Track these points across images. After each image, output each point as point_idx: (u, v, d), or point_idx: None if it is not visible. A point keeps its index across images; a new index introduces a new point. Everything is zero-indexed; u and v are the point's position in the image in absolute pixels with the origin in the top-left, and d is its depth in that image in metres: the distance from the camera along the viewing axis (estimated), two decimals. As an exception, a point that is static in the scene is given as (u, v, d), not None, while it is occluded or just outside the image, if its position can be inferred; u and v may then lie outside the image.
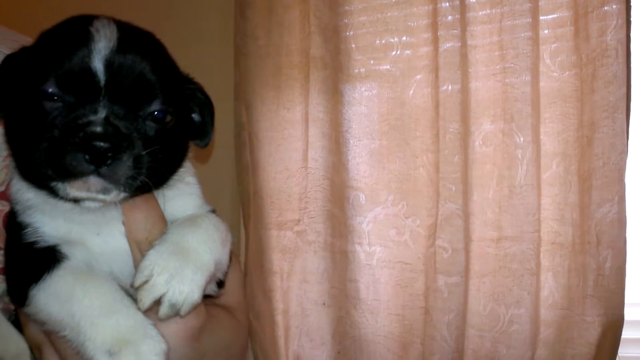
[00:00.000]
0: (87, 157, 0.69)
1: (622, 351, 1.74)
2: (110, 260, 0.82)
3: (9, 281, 0.84)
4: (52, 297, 0.75)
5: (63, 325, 0.74)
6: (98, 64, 0.72)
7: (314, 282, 1.95)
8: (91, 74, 0.72)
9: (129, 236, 0.82)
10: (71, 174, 0.70)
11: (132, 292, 0.79)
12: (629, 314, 1.70)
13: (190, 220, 0.84)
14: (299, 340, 1.97)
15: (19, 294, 0.78)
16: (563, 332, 1.72)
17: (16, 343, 0.89)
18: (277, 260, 1.97)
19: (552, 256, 1.73)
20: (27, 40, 0.94)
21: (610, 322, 1.67)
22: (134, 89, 0.75)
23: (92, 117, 0.71)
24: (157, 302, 0.75)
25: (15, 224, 0.82)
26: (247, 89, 1.99)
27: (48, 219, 0.80)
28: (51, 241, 0.79)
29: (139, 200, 0.81)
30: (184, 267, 0.76)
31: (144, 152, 0.74)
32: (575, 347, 1.70)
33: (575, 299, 1.70)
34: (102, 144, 0.69)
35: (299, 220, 1.96)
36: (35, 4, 2.26)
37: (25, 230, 0.80)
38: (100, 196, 0.74)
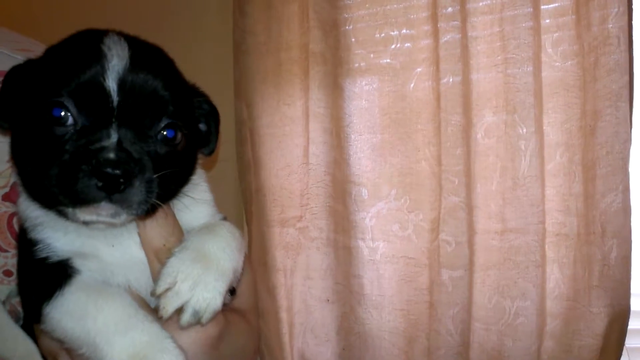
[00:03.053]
0: (99, 184, 0.68)
1: (629, 342, 1.73)
2: (126, 271, 0.82)
3: (24, 299, 0.85)
4: (66, 315, 0.75)
5: (79, 343, 0.74)
6: (112, 84, 0.71)
7: (317, 279, 1.95)
8: (105, 94, 0.71)
9: (146, 245, 0.81)
10: (83, 201, 0.69)
11: (149, 301, 0.79)
12: (635, 304, 1.69)
13: (208, 228, 0.84)
14: (303, 337, 1.96)
15: (34, 312, 0.78)
16: (569, 324, 1.71)
17: (24, 345, 0.89)
18: (280, 257, 1.97)
19: (557, 247, 1.72)
20: (29, 42, 0.93)
21: (617, 313, 1.66)
22: (146, 110, 0.74)
23: (105, 143, 0.70)
24: (178, 311, 0.75)
25: (26, 241, 0.81)
26: (247, 85, 1.97)
27: (60, 234, 0.80)
28: (63, 255, 0.79)
29: None
30: (207, 274, 0.76)
31: (154, 177, 0.73)
32: (582, 338, 1.69)
33: (581, 290, 1.69)
34: (115, 171, 0.68)
35: (301, 217, 1.95)
36: (36, 5, 2.25)
37: (37, 247, 0.79)
38: (110, 220, 0.73)
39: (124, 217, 0.73)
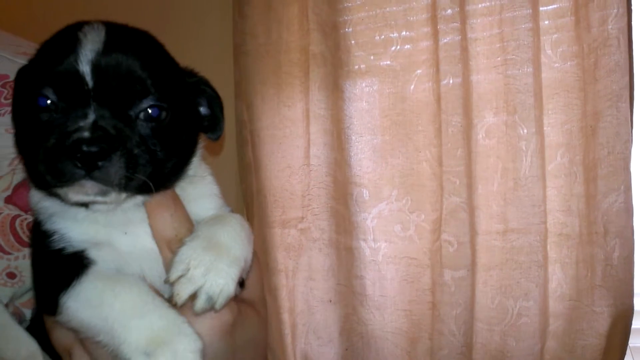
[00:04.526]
0: (77, 162, 0.70)
1: (633, 341, 1.73)
2: (140, 261, 0.82)
3: (38, 292, 0.84)
4: (83, 303, 0.75)
5: (97, 331, 0.74)
6: (85, 67, 0.73)
7: (319, 280, 1.94)
8: (79, 78, 0.73)
9: (156, 235, 0.82)
10: (66, 180, 0.71)
11: (163, 291, 0.79)
12: (638, 303, 1.70)
13: (218, 219, 0.85)
14: (306, 338, 1.96)
15: (50, 303, 0.78)
16: (572, 324, 1.71)
17: (26, 345, 0.89)
18: (282, 259, 1.97)
19: (559, 247, 1.72)
20: (30, 45, 0.94)
21: (620, 312, 1.67)
22: (122, 88, 0.75)
23: (82, 123, 0.72)
24: (192, 298, 0.76)
25: (40, 234, 0.82)
26: (247, 87, 1.98)
27: (71, 223, 0.81)
28: (79, 246, 0.79)
29: (163, 199, 0.82)
30: (219, 261, 0.77)
31: (137, 151, 0.74)
32: (585, 338, 1.70)
33: (584, 289, 1.69)
34: (90, 148, 0.70)
35: (302, 218, 1.95)
36: (38, 8, 2.26)
37: (52, 238, 0.80)
38: (100, 198, 0.74)
39: (113, 194, 0.74)
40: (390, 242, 1.88)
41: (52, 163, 0.71)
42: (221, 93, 0.94)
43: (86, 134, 0.70)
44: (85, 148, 0.69)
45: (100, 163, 0.70)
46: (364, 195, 1.89)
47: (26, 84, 0.79)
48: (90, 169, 0.70)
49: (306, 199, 1.94)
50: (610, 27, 1.64)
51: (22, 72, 0.85)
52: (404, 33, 1.86)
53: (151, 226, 0.82)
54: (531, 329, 1.72)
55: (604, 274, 1.66)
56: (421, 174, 1.83)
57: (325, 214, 1.93)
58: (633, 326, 1.69)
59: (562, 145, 1.71)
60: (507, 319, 1.74)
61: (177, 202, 0.84)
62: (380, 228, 1.89)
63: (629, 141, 1.64)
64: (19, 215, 0.96)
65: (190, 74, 0.89)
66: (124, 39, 0.79)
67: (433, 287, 1.82)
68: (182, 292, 0.75)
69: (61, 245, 0.79)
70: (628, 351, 1.72)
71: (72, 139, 0.70)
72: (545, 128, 1.71)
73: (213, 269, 0.76)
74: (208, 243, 0.79)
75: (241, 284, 0.88)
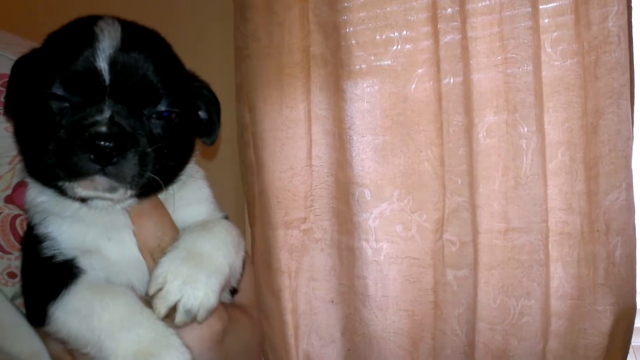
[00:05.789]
0: (92, 157, 0.70)
1: (635, 340, 1.72)
2: (127, 270, 0.82)
3: (28, 301, 0.84)
4: (71, 314, 0.75)
5: (84, 342, 0.74)
6: (103, 64, 0.73)
7: (321, 280, 1.95)
8: (96, 73, 0.73)
9: (141, 245, 0.82)
10: (78, 174, 0.71)
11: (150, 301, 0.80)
12: (641, 301, 1.69)
13: (202, 226, 0.84)
14: (308, 338, 1.97)
15: (39, 313, 0.78)
16: (575, 323, 1.70)
17: (29, 343, 0.89)
18: (285, 259, 1.97)
19: (561, 246, 1.71)
20: (32, 45, 0.95)
21: (623, 311, 1.65)
22: (139, 88, 0.76)
23: (98, 117, 0.72)
24: (173, 309, 0.75)
25: (32, 239, 0.82)
26: (249, 89, 1.99)
27: (61, 221, 0.81)
28: (69, 254, 0.79)
29: (147, 208, 0.82)
30: (198, 273, 0.76)
31: (149, 150, 0.74)
32: (588, 337, 1.69)
33: (586, 288, 1.69)
34: (107, 143, 0.70)
35: (305, 219, 1.96)
36: (37, 8, 2.28)
37: (43, 244, 0.80)
38: (108, 194, 0.75)
39: (121, 191, 0.74)
40: (392, 242, 1.88)
41: (64, 156, 0.71)
42: (223, 96, 0.95)
43: (104, 128, 0.70)
44: (102, 143, 0.69)
45: (115, 159, 0.70)
46: (366, 195, 1.90)
47: (34, 74, 0.78)
48: (105, 164, 0.70)
49: (308, 200, 1.95)
50: (610, 24, 1.64)
51: (23, 62, 0.84)
52: (404, 33, 1.87)
53: (135, 235, 0.82)
54: (533, 328, 1.71)
55: (606, 272, 1.65)
56: (423, 173, 1.84)
57: (328, 214, 1.94)
58: (636, 325, 1.67)
59: (563, 144, 1.71)
60: (509, 318, 1.73)
61: (161, 210, 0.84)
62: (382, 228, 1.89)
63: (630, 138, 1.63)
64: (19, 215, 0.97)
65: (193, 77, 0.90)
66: (139, 38, 0.79)
67: (435, 286, 1.82)
68: (160, 307, 0.74)
69: (51, 253, 0.79)
70: (630, 350, 1.70)
71: (89, 132, 0.70)
72: (545, 126, 1.71)
73: (191, 281, 0.75)
74: (187, 253, 0.78)
75: (232, 291, 0.87)
